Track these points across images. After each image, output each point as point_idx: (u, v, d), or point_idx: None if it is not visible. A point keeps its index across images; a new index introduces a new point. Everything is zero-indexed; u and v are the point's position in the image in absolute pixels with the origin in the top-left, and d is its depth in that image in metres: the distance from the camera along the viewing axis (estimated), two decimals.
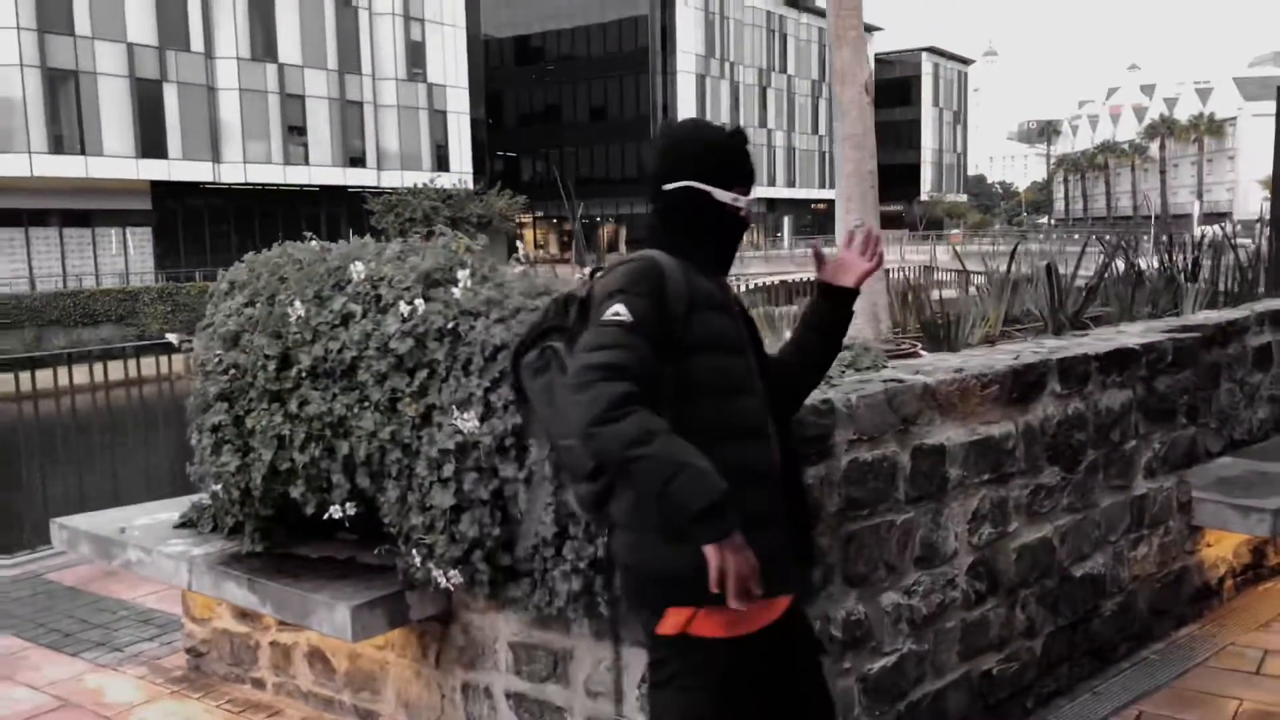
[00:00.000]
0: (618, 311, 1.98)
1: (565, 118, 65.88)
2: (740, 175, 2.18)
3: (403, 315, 2.93)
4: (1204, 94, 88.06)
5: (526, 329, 2.29)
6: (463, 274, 2.98)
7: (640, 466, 1.87)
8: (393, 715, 3.33)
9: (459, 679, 3.15)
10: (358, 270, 3.10)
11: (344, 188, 41.64)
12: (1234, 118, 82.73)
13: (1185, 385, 3.86)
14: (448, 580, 2.87)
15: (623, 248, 61.02)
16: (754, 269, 42.39)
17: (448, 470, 2.81)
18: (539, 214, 68.65)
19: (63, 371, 6.34)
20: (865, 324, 4.41)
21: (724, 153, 2.18)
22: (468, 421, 2.74)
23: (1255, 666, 3.58)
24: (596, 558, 2.64)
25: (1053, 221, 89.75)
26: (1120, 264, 5.57)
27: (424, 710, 3.25)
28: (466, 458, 2.79)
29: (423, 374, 2.89)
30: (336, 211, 41.02)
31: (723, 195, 2.15)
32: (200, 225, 38.25)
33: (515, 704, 3.03)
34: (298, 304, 3.13)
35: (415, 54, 45.39)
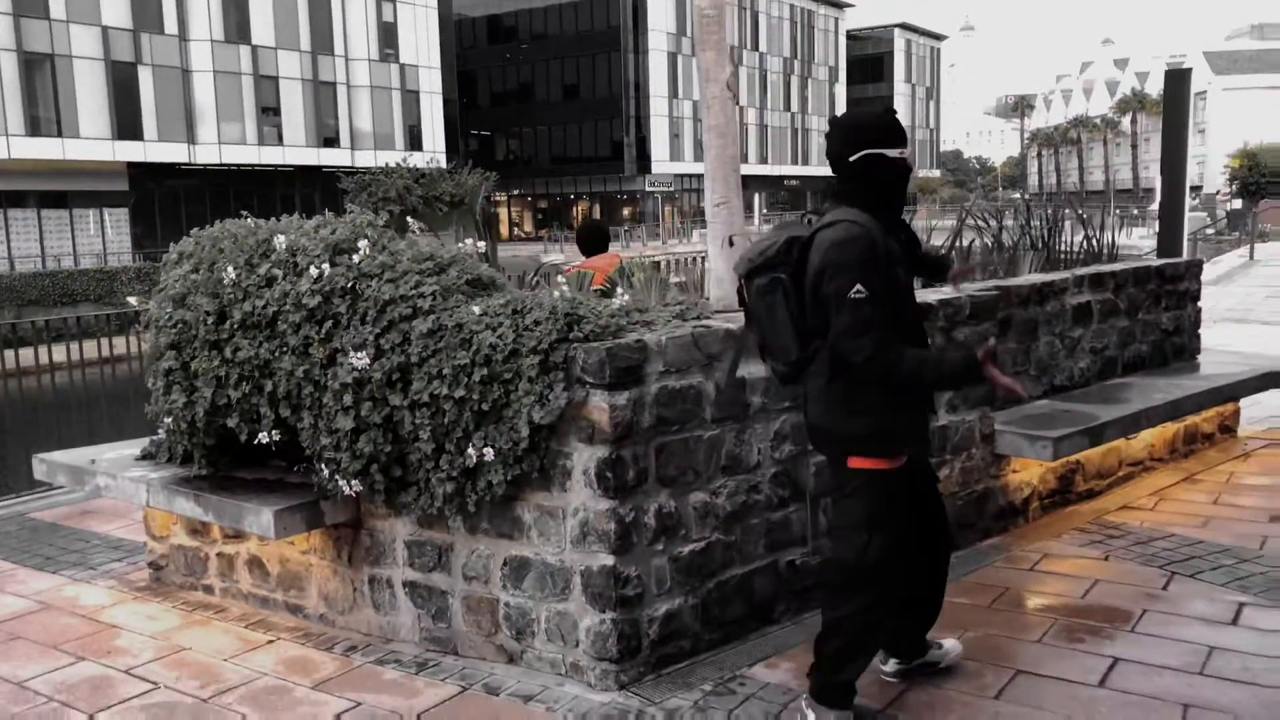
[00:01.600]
0: (859, 290, 2.80)
1: (538, 96, 66.07)
2: (899, 137, 2.97)
3: (313, 277, 3.64)
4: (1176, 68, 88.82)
5: (759, 257, 3.01)
6: (363, 244, 3.70)
7: (923, 376, 2.92)
8: (315, 607, 4.08)
9: (366, 574, 3.90)
10: (280, 242, 3.81)
11: (318, 168, 42.05)
12: (1204, 92, 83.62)
13: (984, 335, 4.60)
14: (351, 489, 3.60)
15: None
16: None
17: (348, 400, 3.53)
18: (514, 192, 68.95)
19: (43, 349, 7.01)
20: (731, 289, 5.14)
21: (886, 124, 2.97)
22: (362, 360, 3.47)
23: (1031, 565, 4.36)
24: (466, 467, 3.39)
25: (1026, 196, 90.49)
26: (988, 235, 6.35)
27: (340, 601, 4.00)
28: (362, 390, 3.51)
29: (329, 324, 3.60)
30: (310, 191, 41.48)
31: (893, 152, 2.94)
32: (177, 205, 38.66)
33: (410, 591, 3.78)
34: (230, 270, 3.84)
35: (387, 34, 45.75)
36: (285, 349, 3.68)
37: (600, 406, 3.24)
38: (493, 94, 68.72)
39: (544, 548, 3.42)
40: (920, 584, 3.18)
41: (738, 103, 5.05)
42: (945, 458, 4.47)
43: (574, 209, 68.20)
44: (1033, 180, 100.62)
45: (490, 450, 3.32)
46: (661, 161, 64.04)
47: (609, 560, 3.28)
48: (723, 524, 3.61)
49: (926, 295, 4.43)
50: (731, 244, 5.12)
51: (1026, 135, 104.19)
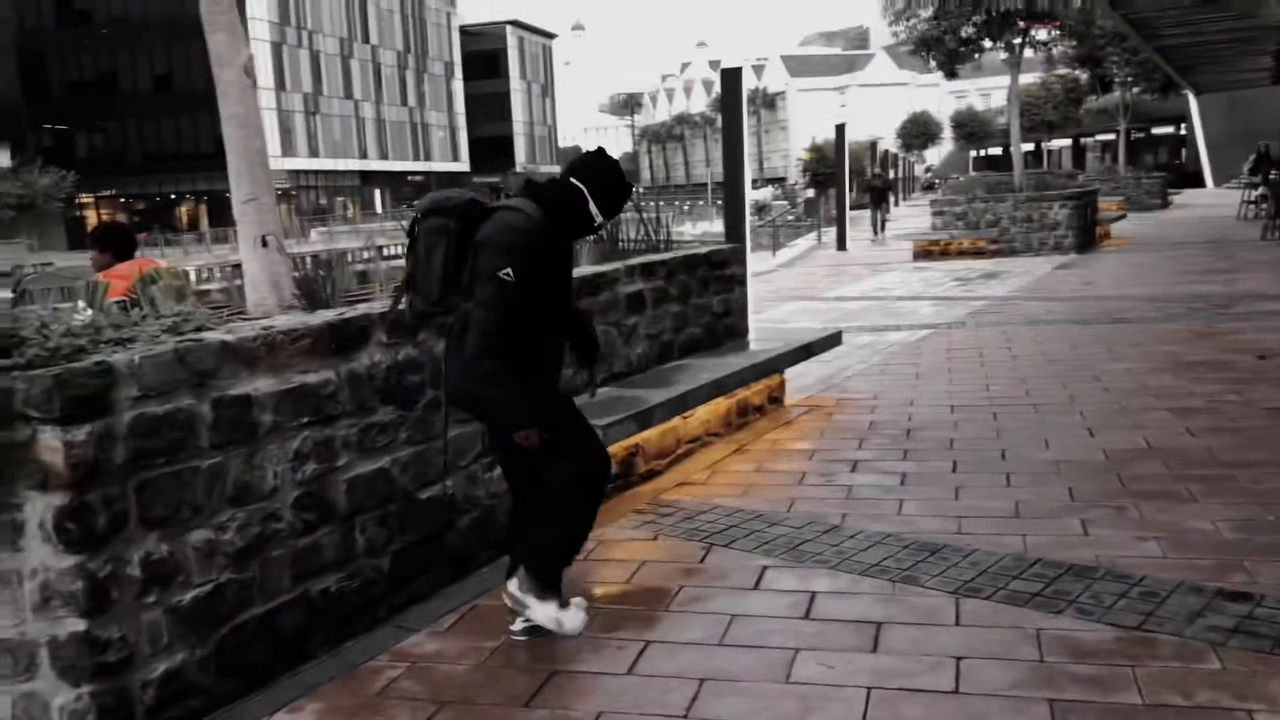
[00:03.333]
0: (508, 273, 3.20)
1: (124, 86, 60.09)
2: (610, 205, 3.45)
3: None
4: (759, 70, 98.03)
5: (442, 202, 3.37)
6: None
7: (496, 388, 3.31)
8: None
9: None
10: None
11: None
12: (783, 92, 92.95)
13: None
14: None
15: (204, 225, 56.92)
16: (344, 243, 41.47)
17: None
18: (105, 193, 62.25)
19: None
20: (269, 292, 4.75)
21: (610, 182, 3.45)
22: None
23: (586, 555, 4.37)
24: None
25: (640, 190, 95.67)
26: None
27: None
28: None
29: None
30: None
31: (593, 208, 3.41)
32: None
33: None
34: None
35: None
36: None
37: (52, 445, 2.76)
38: (68, 83, 61.47)
39: None
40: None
41: (256, 87, 4.65)
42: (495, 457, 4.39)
43: (178, 210, 62.86)
44: (645, 175, 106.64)
45: None
46: (273, 157, 60.35)
47: (80, 625, 2.81)
48: (234, 561, 3.25)
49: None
50: (265, 244, 4.74)
51: (636, 132, 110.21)
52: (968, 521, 4.48)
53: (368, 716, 3.09)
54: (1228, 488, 4.75)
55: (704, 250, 6.50)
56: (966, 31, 19.47)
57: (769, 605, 3.72)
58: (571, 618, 3.50)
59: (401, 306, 3.59)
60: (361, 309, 3.87)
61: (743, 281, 6.78)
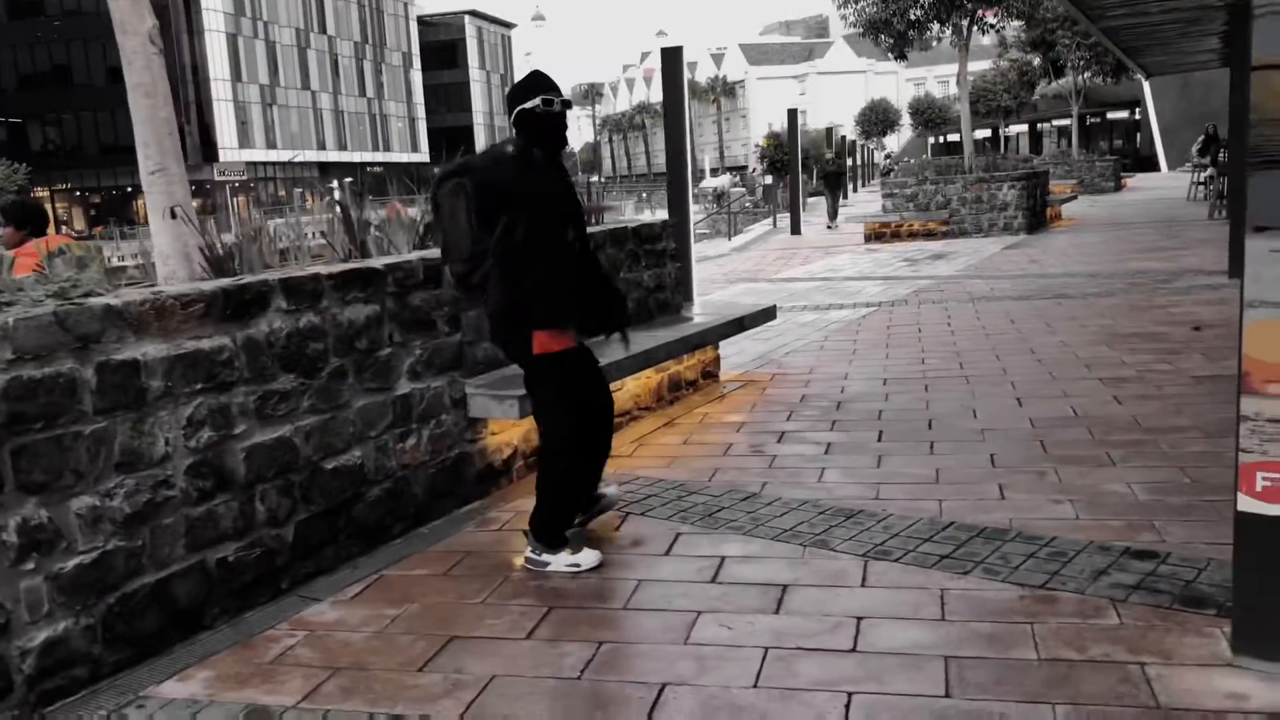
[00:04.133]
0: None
1: (78, 79, 59.05)
2: (540, 90, 3.74)
3: None
4: (718, 59, 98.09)
5: (454, 165, 3.71)
6: None
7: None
8: None
9: None
10: None
11: None
12: (743, 80, 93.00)
13: (443, 299, 4.50)
14: None
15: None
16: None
17: None
18: (61, 186, 61.26)
19: None
20: (179, 264, 4.64)
21: (525, 85, 3.79)
22: None
23: (501, 525, 4.34)
24: None
25: (603, 180, 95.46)
26: None
27: None
28: None
29: None
30: None
31: (530, 104, 3.72)
32: None
33: None
34: None
35: None
36: None
37: None
38: (21, 76, 60.40)
39: None
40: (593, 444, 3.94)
41: (162, 55, 4.53)
42: (412, 426, 4.33)
43: (135, 202, 61.83)
44: (607, 165, 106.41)
45: None
46: (230, 149, 59.86)
47: None
48: (122, 529, 3.16)
49: (373, 262, 4.24)
50: (175, 216, 4.62)
51: (598, 122, 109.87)
52: (886, 488, 4.47)
53: (258, 684, 3.02)
54: (1148, 452, 4.78)
55: (633, 224, 6.45)
56: (915, 14, 19.54)
57: (677, 570, 3.69)
58: (585, 556, 3.77)
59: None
60: (263, 275, 3.79)
61: (676, 256, 6.74)
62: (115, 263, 7.22)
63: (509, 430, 4.89)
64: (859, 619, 3.19)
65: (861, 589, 3.43)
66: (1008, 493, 4.32)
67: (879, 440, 5.27)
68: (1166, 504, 4.07)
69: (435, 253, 4.69)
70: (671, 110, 9.87)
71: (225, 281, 3.59)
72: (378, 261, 4.24)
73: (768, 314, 6.88)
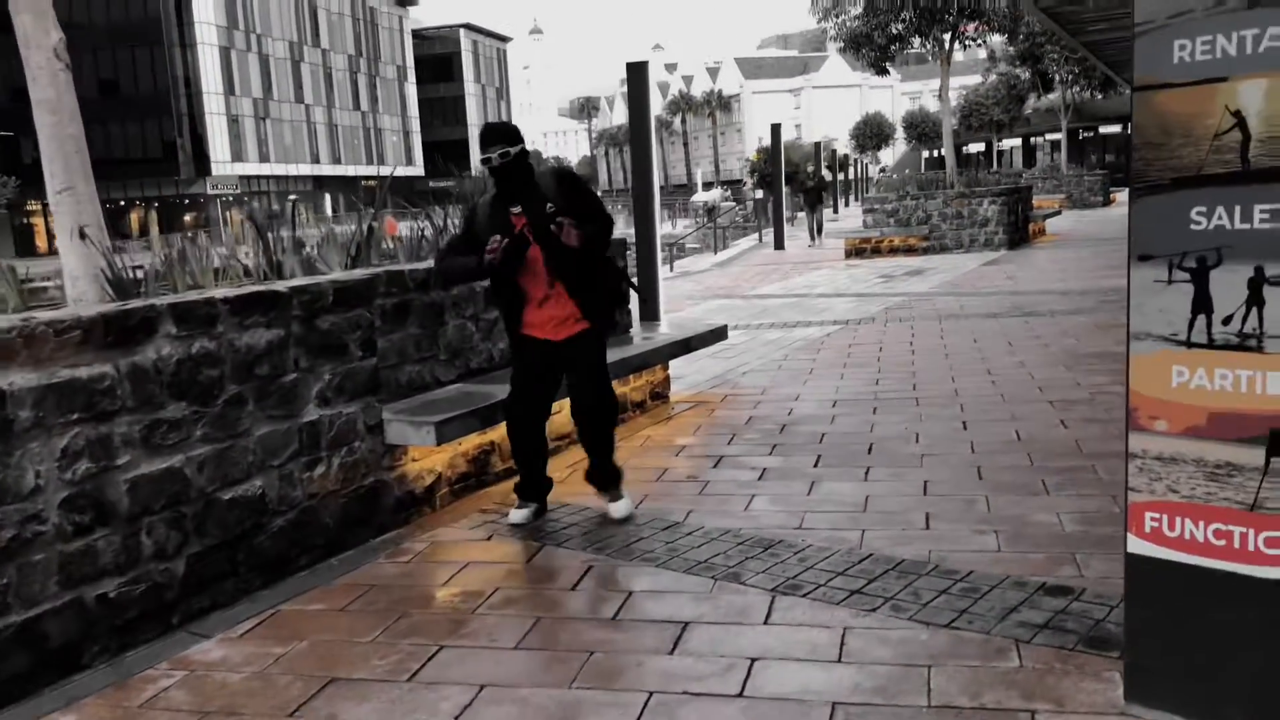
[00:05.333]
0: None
1: None
2: (482, 146, 4.25)
3: None
4: (714, 73, 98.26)
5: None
6: None
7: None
8: None
9: None
10: None
11: None
12: (738, 94, 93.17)
13: (359, 322, 4.39)
14: None
15: (155, 231, 55.91)
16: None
17: None
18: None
19: None
20: (88, 286, 4.53)
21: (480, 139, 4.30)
22: None
23: (411, 557, 4.20)
24: None
25: (599, 193, 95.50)
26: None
27: None
28: None
29: None
30: None
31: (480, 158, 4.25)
32: None
33: None
34: None
35: None
36: None
37: None
38: (12, 89, 60.38)
39: None
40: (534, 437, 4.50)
41: (69, 70, 4.43)
42: (321, 454, 4.20)
43: (128, 216, 61.84)
44: (604, 178, 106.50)
45: None
46: (223, 163, 59.83)
47: None
48: None
49: (277, 285, 4.12)
50: (83, 236, 4.52)
51: (594, 135, 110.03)
52: (811, 516, 4.35)
53: None
54: (1083, 479, 4.67)
55: None
56: (896, 28, 19.50)
57: (580, 606, 3.57)
58: (517, 513, 4.49)
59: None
60: (150, 300, 3.68)
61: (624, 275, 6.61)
62: (41, 283, 7.11)
63: (431, 456, 4.77)
64: (753, 660, 3.07)
65: (763, 626, 3.31)
66: (933, 522, 4.20)
67: (815, 465, 5.15)
68: (1092, 535, 3.96)
69: (357, 274, 4.59)
70: (637, 126, 9.79)
71: (108, 306, 3.48)
72: (281, 284, 4.12)
73: (717, 334, 6.77)
